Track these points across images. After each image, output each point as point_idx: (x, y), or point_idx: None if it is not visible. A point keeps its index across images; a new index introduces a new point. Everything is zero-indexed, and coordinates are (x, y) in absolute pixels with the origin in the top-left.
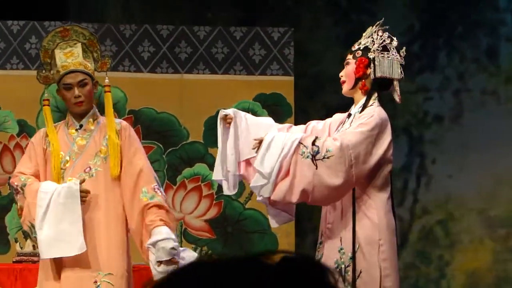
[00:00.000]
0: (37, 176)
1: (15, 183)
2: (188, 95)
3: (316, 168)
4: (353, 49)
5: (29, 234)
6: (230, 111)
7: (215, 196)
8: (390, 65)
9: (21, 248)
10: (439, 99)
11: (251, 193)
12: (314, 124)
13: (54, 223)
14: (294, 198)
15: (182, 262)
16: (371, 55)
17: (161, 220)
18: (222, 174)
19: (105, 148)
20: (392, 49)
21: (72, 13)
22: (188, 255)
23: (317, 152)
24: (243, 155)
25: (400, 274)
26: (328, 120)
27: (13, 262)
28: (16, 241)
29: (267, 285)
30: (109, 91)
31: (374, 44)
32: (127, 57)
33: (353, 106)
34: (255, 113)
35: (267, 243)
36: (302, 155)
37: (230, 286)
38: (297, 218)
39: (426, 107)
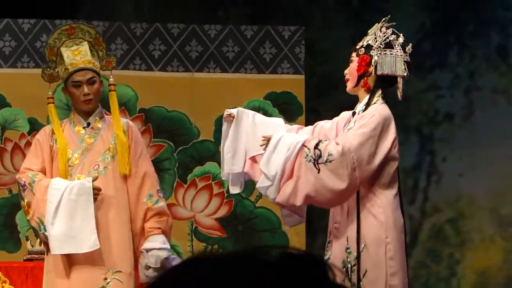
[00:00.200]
0: (43, 172)
1: (23, 179)
2: (199, 94)
3: (318, 172)
4: (357, 46)
5: (37, 231)
6: (233, 110)
7: (225, 195)
8: (393, 62)
9: (32, 246)
10: (450, 98)
11: None
12: (322, 124)
13: (66, 219)
14: (298, 201)
15: None
16: (373, 53)
17: (159, 228)
18: (222, 173)
19: (113, 146)
20: (396, 46)
21: (83, 11)
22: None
23: (319, 156)
24: (249, 152)
25: (410, 272)
26: (336, 118)
27: (24, 260)
28: (27, 239)
29: (266, 281)
30: (114, 90)
31: (376, 42)
32: (138, 56)
33: (358, 104)
34: (265, 112)
35: (278, 242)
36: (306, 158)
37: (229, 282)
38: (308, 218)
39: (437, 105)
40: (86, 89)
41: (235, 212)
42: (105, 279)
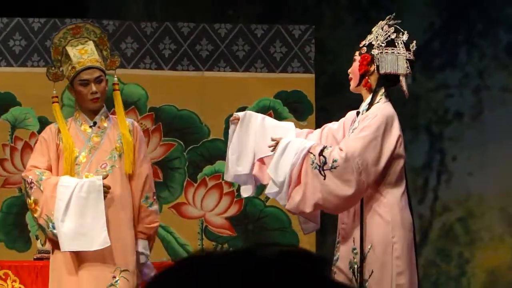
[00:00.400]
0: (50, 170)
1: (30, 177)
2: (209, 93)
3: (324, 179)
4: (360, 45)
5: (44, 228)
6: (240, 113)
7: (235, 194)
8: (394, 61)
9: (42, 245)
10: (459, 97)
11: None
12: (329, 126)
13: (76, 217)
14: (307, 208)
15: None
16: (374, 52)
17: (145, 234)
18: (227, 175)
19: (120, 145)
20: (399, 44)
21: (93, 10)
22: (149, 271)
23: (324, 163)
24: (257, 154)
25: (420, 271)
26: (343, 119)
27: (34, 259)
28: (37, 238)
29: (264, 279)
30: (118, 90)
31: (377, 40)
32: (148, 55)
33: (362, 103)
34: (275, 111)
35: (288, 241)
36: (312, 164)
37: (227, 280)
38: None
39: (447, 104)
40: (94, 87)
41: (245, 211)
42: (114, 277)
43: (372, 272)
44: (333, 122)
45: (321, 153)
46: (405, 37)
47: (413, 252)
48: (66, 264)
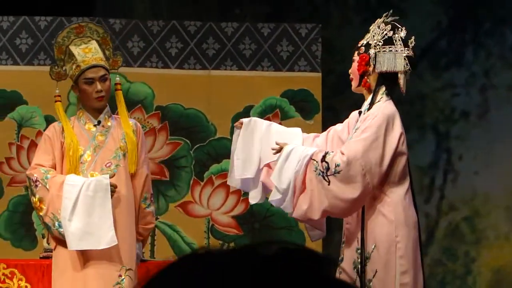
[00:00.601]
0: (54, 169)
1: (35, 175)
2: (216, 91)
3: (329, 184)
4: (358, 45)
5: (50, 227)
6: (245, 119)
7: (242, 192)
8: (392, 59)
9: (48, 244)
10: (466, 96)
11: None
12: (334, 128)
13: (84, 216)
14: (316, 215)
15: None
16: (371, 51)
17: (141, 236)
18: (230, 180)
19: (124, 144)
20: (397, 41)
21: (100, 9)
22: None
23: (327, 168)
24: (263, 160)
25: (426, 270)
26: (347, 120)
27: (40, 258)
28: (43, 237)
29: (264, 276)
30: (120, 90)
31: (374, 39)
32: (155, 53)
33: (364, 103)
34: (282, 110)
35: (295, 239)
36: (315, 171)
37: (231, 277)
38: None
39: (453, 103)
40: (99, 85)
41: (252, 209)
42: (120, 276)
43: (376, 271)
44: (338, 124)
45: (323, 159)
46: (403, 33)
47: (418, 250)
48: (72, 261)
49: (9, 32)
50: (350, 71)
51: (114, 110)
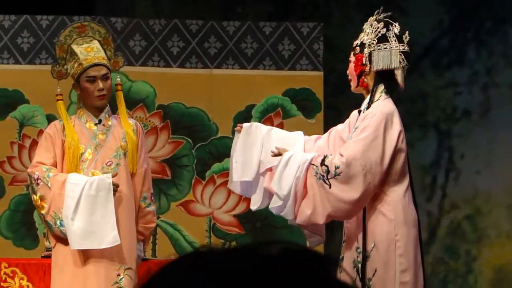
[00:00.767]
0: (55, 167)
1: (36, 173)
2: (217, 90)
3: (330, 187)
4: (353, 45)
5: (51, 225)
6: (246, 124)
7: None
8: (387, 56)
9: (48, 242)
10: (468, 94)
11: None
12: (336, 128)
13: (86, 215)
14: (320, 219)
15: None
16: (366, 51)
17: (142, 235)
18: (230, 184)
19: (124, 144)
20: (391, 38)
21: (102, 7)
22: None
23: (327, 172)
24: (264, 164)
25: (428, 269)
26: (348, 119)
27: (42, 257)
28: (44, 236)
29: (265, 276)
30: (121, 90)
31: (368, 38)
32: (157, 52)
33: (363, 102)
34: (284, 108)
35: (296, 239)
36: (315, 176)
37: (231, 276)
38: None
39: (455, 102)
40: (101, 84)
41: None
42: (118, 275)
43: (376, 270)
44: (339, 124)
45: (322, 163)
46: (396, 29)
47: (418, 249)
48: (71, 259)
49: (10, 31)
50: (348, 72)
51: (114, 110)
